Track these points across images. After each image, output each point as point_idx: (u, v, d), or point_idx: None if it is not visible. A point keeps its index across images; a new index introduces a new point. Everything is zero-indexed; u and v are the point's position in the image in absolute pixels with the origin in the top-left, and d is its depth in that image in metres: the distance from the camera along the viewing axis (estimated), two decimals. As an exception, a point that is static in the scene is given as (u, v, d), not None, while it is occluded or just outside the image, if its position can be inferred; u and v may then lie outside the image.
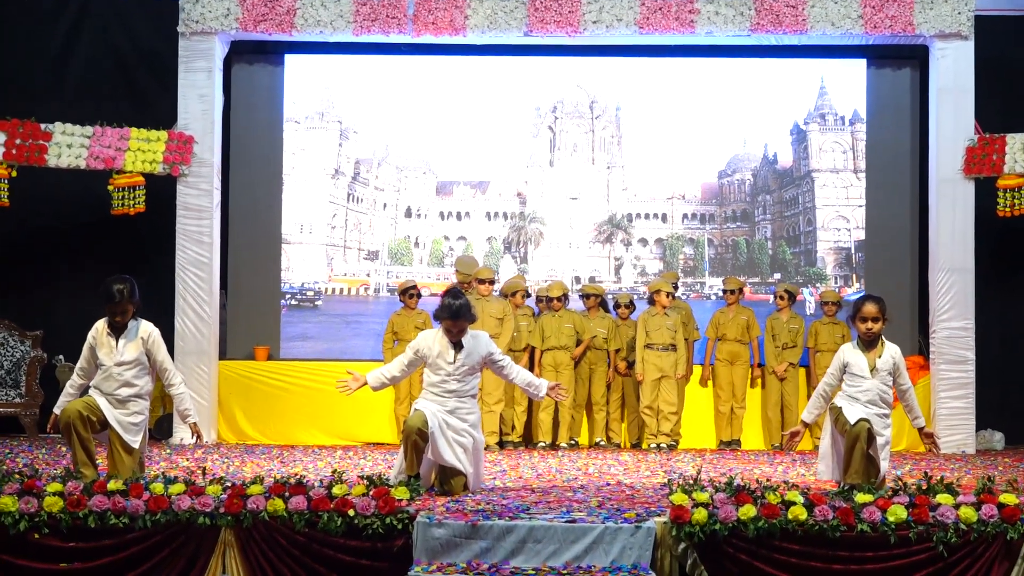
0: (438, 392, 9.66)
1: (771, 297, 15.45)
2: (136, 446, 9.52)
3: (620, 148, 16.55)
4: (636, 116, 16.48)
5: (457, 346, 9.66)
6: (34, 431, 15.15)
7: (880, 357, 9.52)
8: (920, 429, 9.81)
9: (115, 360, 9.47)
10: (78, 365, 9.68)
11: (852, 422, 9.30)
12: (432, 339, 9.76)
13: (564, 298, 14.87)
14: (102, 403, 9.43)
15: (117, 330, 9.52)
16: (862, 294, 9.79)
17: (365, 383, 9.94)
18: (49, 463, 11.67)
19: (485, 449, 14.00)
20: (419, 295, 15.04)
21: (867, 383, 9.49)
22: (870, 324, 9.52)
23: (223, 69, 15.33)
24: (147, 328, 9.59)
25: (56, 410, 9.63)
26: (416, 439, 9.36)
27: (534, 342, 14.66)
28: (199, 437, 9.84)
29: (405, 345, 14.63)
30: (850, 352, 9.63)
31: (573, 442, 14.73)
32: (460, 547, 8.06)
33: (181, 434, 14.59)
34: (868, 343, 9.59)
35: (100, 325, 9.57)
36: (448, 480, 9.58)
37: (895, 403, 9.70)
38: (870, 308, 9.54)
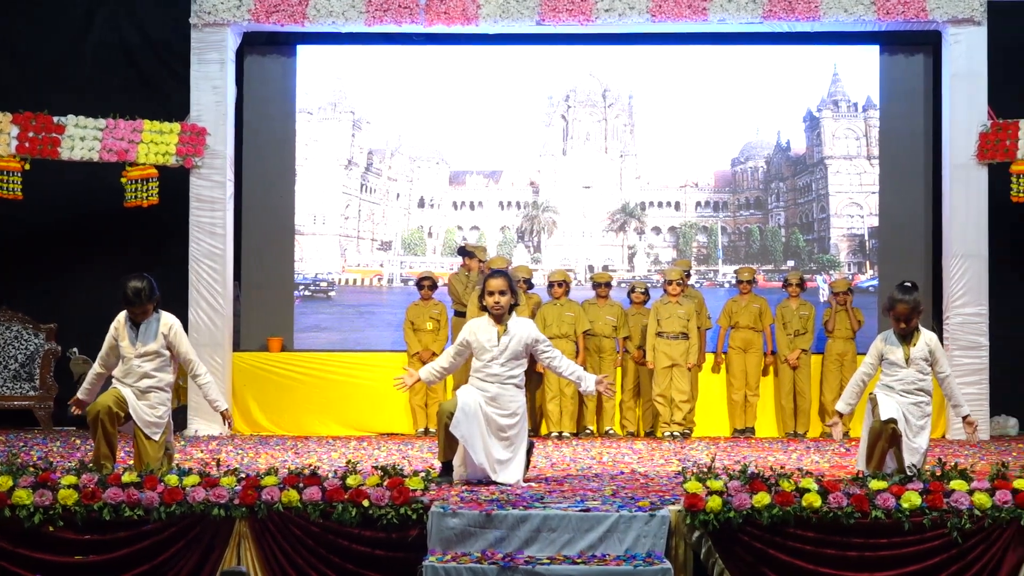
0: (481, 377, 9.63)
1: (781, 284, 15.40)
2: (156, 439, 9.54)
3: (633, 136, 16.54)
4: (649, 104, 16.47)
5: (503, 328, 9.63)
6: (48, 424, 15.18)
7: (915, 346, 9.48)
8: (963, 417, 9.73)
9: (136, 352, 9.50)
10: (99, 354, 9.71)
11: (881, 419, 9.27)
12: (478, 324, 9.75)
13: (565, 286, 14.86)
14: (127, 394, 9.46)
15: (138, 323, 9.55)
16: (899, 283, 9.65)
17: (419, 379, 9.90)
18: (63, 456, 11.70)
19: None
20: (434, 286, 15.08)
21: (902, 372, 9.45)
22: (902, 324, 9.48)
23: (235, 60, 15.34)
24: (168, 320, 9.60)
25: (80, 395, 9.69)
26: (446, 421, 9.36)
27: None
28: (230, 424, 9.91)
29: (422, 335, 14.84)
30: (886, 342, 9.59)
31: (588, 431, 14.74)
32: (474, 537, 8.07)
33: (196, 426, 14.63)
34: (904, 335, 9.56)
35: (122, 317, 9.59)
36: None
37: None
38: (901, 308, 9.46)
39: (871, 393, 9.61)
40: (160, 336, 9.56)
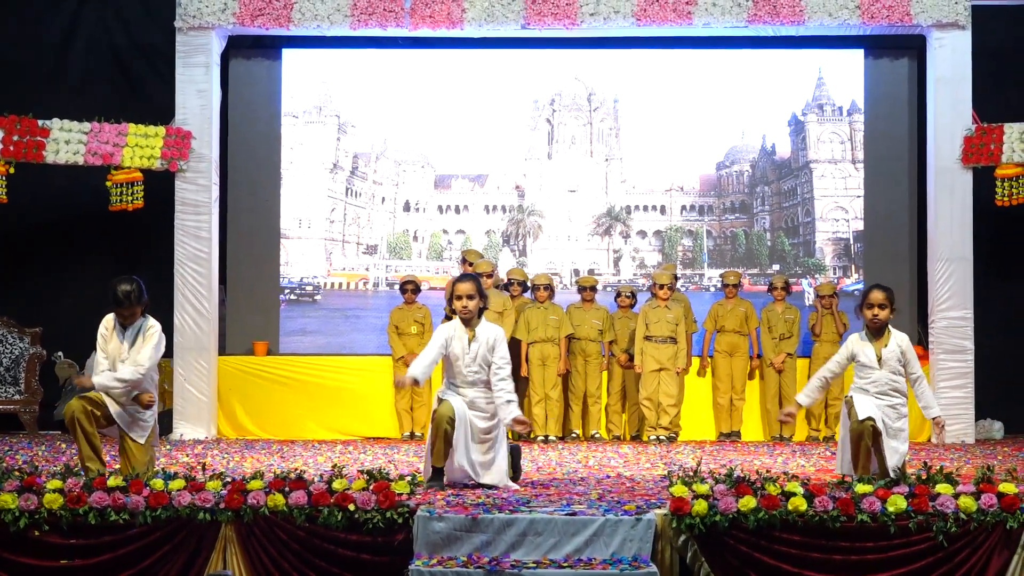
0: (456, 383, 9.61)
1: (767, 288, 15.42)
2: (142, 441, 9.52)
3: (618, 140, 16.55)
4: (634, 108, 16.47)
5: (472, 334, 9.58)
6: (34, 428, 15.14)
7: (887, 347, 9.50)
8: (933, 419, 9.73)
9: (121, 356, 9.49)
10: (98, 360, 9.68)
11: (858, 419, 9.28)
12: (451, 328, 9.71)
13: (549, 290, 14.83)
14: (107, 397, 9.43)
15: (126, 326, 9.53)
16: (872, 284, 9.75)
17: (415, 378, 9.77)
18: (49, 460, 11.67)
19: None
20: (418, 289, 15.06)
21: (876, 374, 9.46)
22: (876, 311, 9.48)
23: (220, 64, 15.31)
24: (150, 325, 9.59)
25: (88, 370, 9.65)
26: (447, 428, 9.32)
27: (520, 335, 14.59)
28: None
29: (406, 339, 14.81)
30: (857, 342, 9.61)
31: (574, 435, 14.74)
32: (460, 541, 8.06)
33: (181, 430, 14.61)
34: (875, 332, 9.56)
35: (109, 320, 9.58)
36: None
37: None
38: (876, 295, 9.51)
39: (846, 396, 9.63)
40: (141, 339, 9.55)
